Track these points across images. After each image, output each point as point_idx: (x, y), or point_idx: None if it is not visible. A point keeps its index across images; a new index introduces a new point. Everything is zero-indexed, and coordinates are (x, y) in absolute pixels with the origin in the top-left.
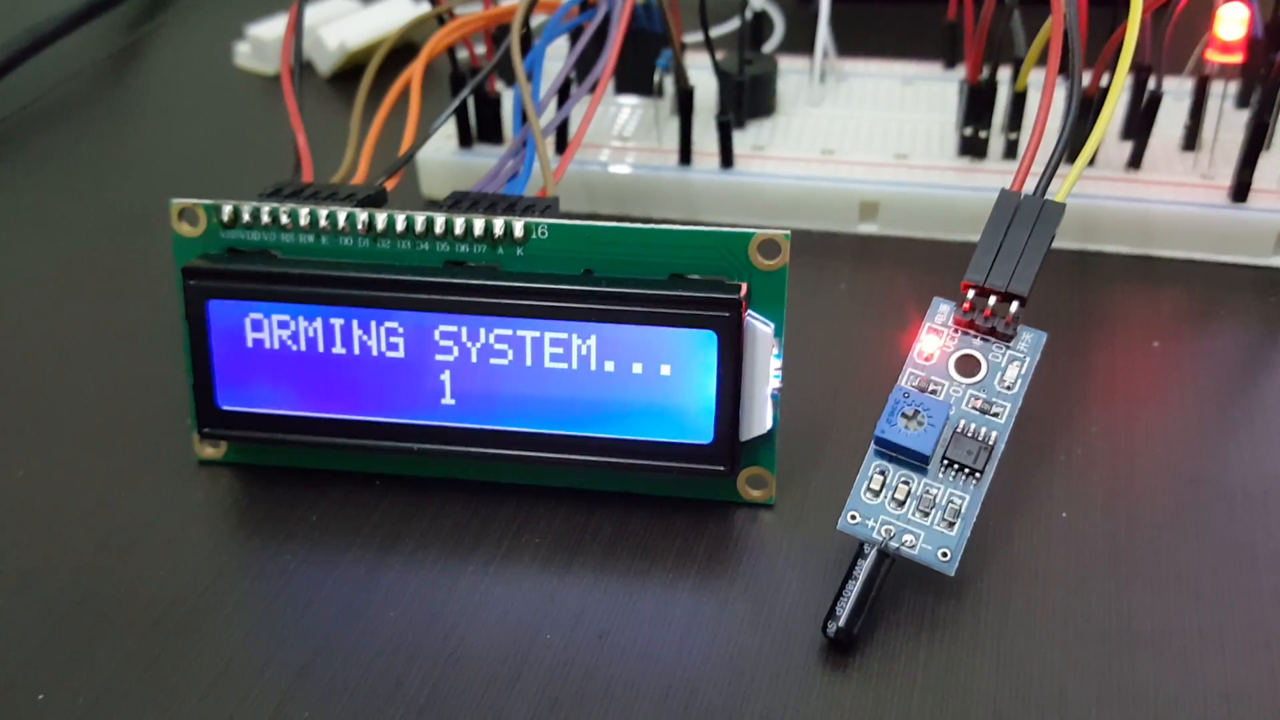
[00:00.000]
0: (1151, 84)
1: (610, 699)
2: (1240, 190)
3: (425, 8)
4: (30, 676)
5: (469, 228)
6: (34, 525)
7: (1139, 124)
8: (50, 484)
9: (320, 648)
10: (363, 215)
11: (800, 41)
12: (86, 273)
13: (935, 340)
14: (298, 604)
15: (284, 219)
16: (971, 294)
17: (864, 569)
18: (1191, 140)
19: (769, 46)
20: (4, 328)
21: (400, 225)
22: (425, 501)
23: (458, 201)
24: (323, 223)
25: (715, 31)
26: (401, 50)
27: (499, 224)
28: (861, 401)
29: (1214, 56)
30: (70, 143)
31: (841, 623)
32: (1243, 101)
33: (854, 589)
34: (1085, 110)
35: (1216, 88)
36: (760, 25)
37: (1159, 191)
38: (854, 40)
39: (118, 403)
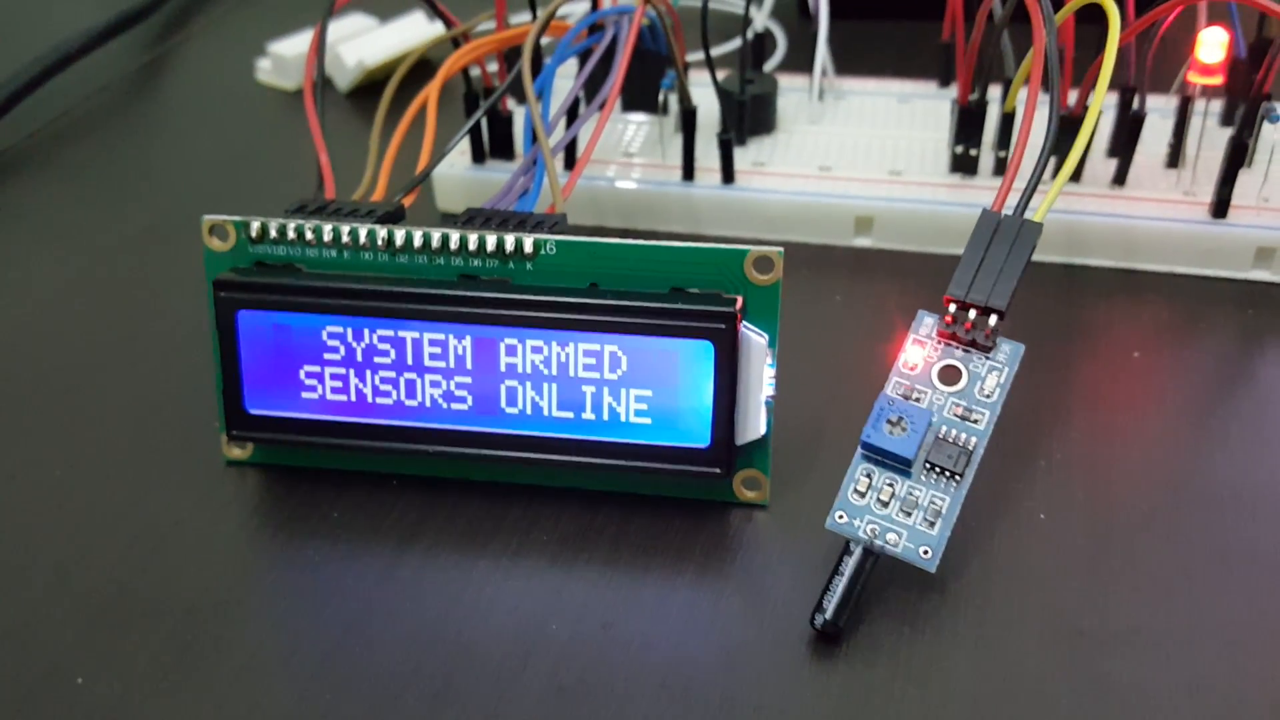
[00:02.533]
0: (1136, 104)
1: (612, 686)
2: (1220, 207)
3: (441, 26)
4: (70, 662)
5: (482, 243)
6: (72, 521)
7: (1123, 142)
8: (87, 482)
9: (341, 637)
10: (382, 231)
11: (802, 58)
12: (118, 281)
13: (919, 351)
14: (320, 596)
15: (309, 235)
16: (953, 308)
17: (850, 565)
18: (1175, 158)
19: (772, 63)
20: (42, 334)
21: (417, 241)
22: (440, 501)
23: (471, 218)
24: (345, 238)
25: (719, 49)
26: (418, 65)
27: (510, 240)
28: (853, 407)
29: (1195, 79)
30: (98, 156)
31: (828, 615)
32: (1227, 119)
33: (840, 584)
34: (1069, 130)
35: (1200, 105)
36: (763, 43)
37: (1143, 208)
38: (853, 58)
39: (150, 406)
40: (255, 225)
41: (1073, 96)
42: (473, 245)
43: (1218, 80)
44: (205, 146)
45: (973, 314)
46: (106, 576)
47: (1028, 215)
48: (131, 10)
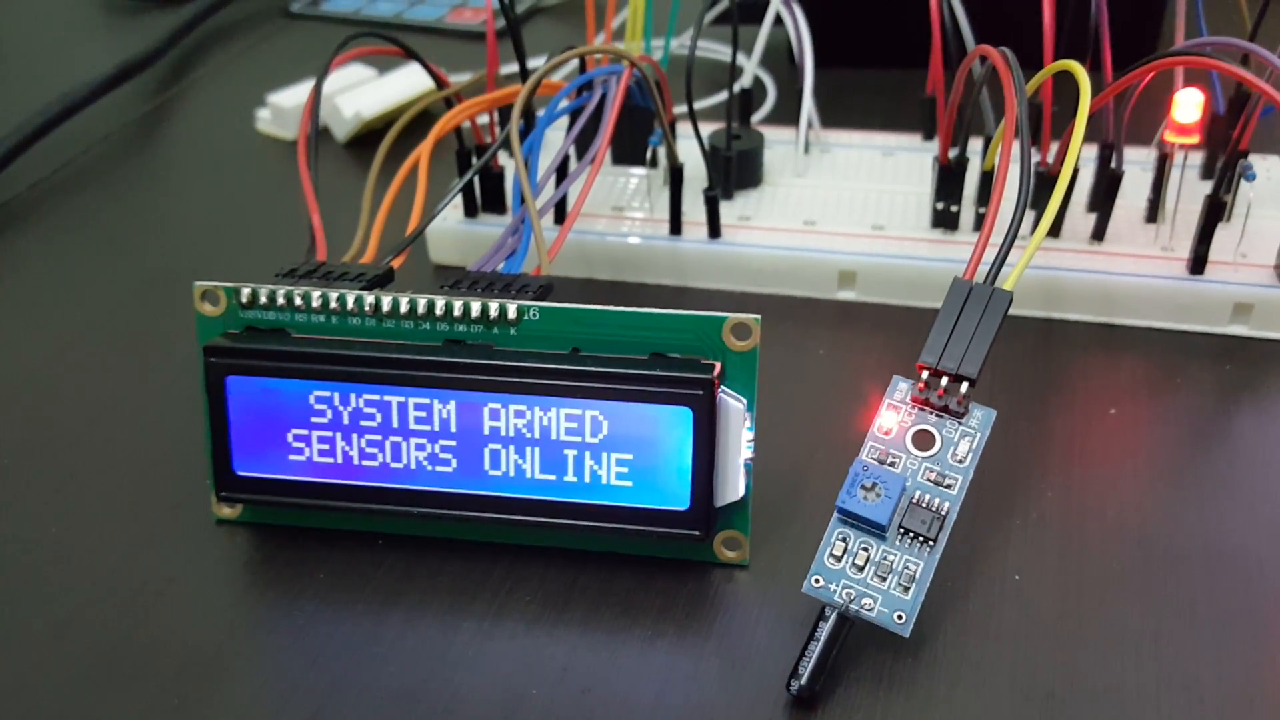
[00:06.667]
0: (1114, 162)
1: None
2: (1198, 263)
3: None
4: None
5: (466, 309)
6: (66, 579)
7: (1102, 198)
8: (81, 540)
9: (327, 697)
10: (370, 297)
11: (792, 106)
12: (115, 337)
13: (894, 416)
14: (307, 656)
15: (298, 300)
16: (926, 374)
17: (825, 631)
18: (1154, 212)
19: (762, 112)
20: (39, 389)
21: (404, 307)
22: (425, 560)
23: (458, 282)
24: (333, 304)
25: (709, 101)
26: (416, 116)
27: (494, 306)
28: (834, 462)
29: (1172, 138)
30: (100, 207)
31: (804, 681)
32: (1207, 172)
33: (816, 650)
34: (1048, 186)
35: (1179, 158)
36: (751, 94)
37: (1121, 263)
38: (841, 107)
39: (144, 462)
40: (246, 291)
41: (1055, 149)
42: (458, 311)
43: (1194, 140)
44: (205, 197)
45: (945, 381)
46: (99, 635)
47: (1006, 270)
48: (134, 60)
